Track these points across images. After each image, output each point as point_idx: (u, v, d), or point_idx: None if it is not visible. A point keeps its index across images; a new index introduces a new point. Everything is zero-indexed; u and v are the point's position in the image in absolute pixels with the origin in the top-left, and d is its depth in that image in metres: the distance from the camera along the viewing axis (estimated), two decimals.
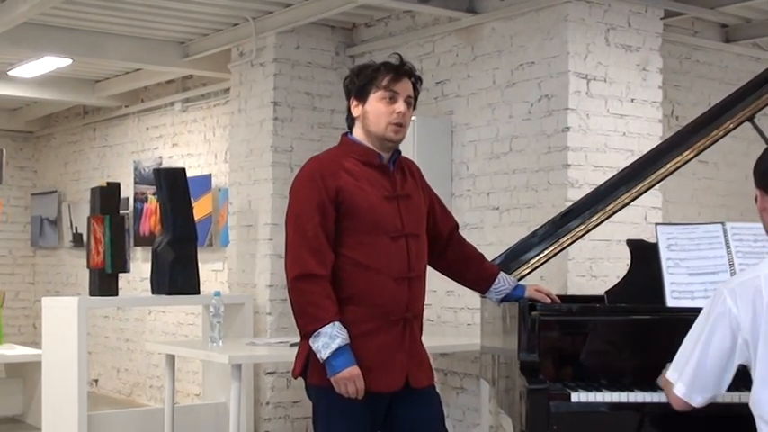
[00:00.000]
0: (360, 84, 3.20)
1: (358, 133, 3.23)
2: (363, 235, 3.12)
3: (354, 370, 3.03)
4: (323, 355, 3.01)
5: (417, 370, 3.22)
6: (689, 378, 2.66)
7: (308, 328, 3.06)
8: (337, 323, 3.03)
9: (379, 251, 3.12)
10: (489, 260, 3.61)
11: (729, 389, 2.81)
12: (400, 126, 3.18)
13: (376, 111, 3.17)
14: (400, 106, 3.17)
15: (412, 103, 3.23)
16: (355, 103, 3.22)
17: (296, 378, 3.24)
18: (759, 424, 2.52)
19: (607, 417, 3.09)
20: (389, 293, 3.13)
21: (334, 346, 3.00)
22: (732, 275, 3.28)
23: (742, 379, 2.71)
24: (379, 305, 3.12)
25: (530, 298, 3.41)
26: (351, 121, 3.27)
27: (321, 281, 3.06)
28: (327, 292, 3.06)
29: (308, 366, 3.13)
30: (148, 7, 6.39)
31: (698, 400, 2.68)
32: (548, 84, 5.38)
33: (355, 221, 3.11)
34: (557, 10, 5.35)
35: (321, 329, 3.01)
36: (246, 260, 6.70)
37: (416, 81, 3.25)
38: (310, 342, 3.04)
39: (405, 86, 3.20)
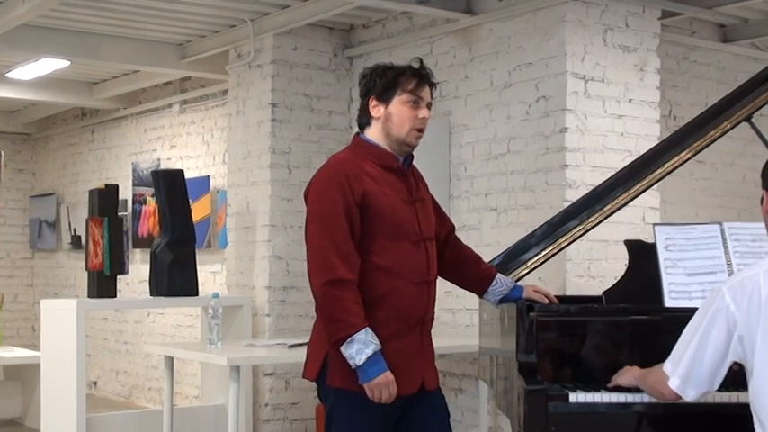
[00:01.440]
0: (384, 85, 3.18)
1: (374, 134, 3.21)
2: (387, 239, 3.11)
3: (389, 376, 3.03)
4: (357, 361, 2.99)
5: (429, 372, 3.26)
6: (684, 372, 2.68)
7: (340, 334, 3.02)
8: (369, 329, 3.02)
9: (401, 255, 3.12)
10: (487, 261, 3.62)
11: (727, 389, 2.82)
12: (421, 132, 3.20)
13: (401, 114, 3.16)
14: (424, 112, 3.19)
15: (431, 108, 3.25)
16: (375, 103, 3.20)
17: (312, 380, 3.22)
18: (763, 421, 2.52)
19: (605, 417, 3.09)
20: (410, 297, 3.14)
21: (369, 352, 2.99)
22: (730, 275, 3.29)
23: (738, 379, 2.72)
24: (400, 309, 3.12)
25: (528, 299, 3.41)
26: (365, 119, 3.24)
27: (351, 286, 3.03)
28: (357, 297, 3.04)
29: (326, 368, 3.12)
30: (146, 9, 6.39)
31: (691, 395, 2.69)
32: (545, 84, 5.38)
33: (379, 226, 3.10)
34: (554, 11, 5.35)
35: (354, 336, 2.99)
36: (245, 262, 6.70)
37: (432, 87, 3.26)
38: (342, 349, 3.01)
39: (427, 92, 3.22)
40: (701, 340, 2.63)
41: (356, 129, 3.32)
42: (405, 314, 3.13)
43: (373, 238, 3.10)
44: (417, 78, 3.19)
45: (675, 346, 2.74)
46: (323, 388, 3.18)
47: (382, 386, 3.02)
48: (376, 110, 3.20)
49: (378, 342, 3.02)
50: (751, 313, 2.53)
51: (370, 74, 3.24)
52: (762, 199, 2.70)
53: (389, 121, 3.17)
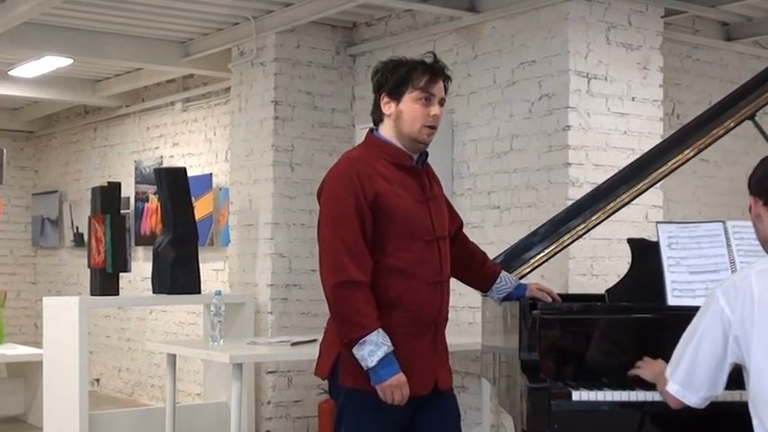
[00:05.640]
0: (395, 82, 3.14)
1: (386, 131, 3.17)
2: (400, 240, 3.07)
3: (402, 377, 3.00)
4: (369, 363, 2.97)
5: (443, 372, 3.22)
6: (681, 377, 2.67)
7: (352, 335, 2.99)
8: (381, 330, 2.99)
9: (415, 256, 3.09)
10: (490, 259, 3.61)
11: (730, 387, 2.81)
12: (433, 129, 3.15)
13: (412, 112, 3.12)
14: (436, 109, 3.14)
15: (444, 104, 3.20)
16: (387, 100, 3.15)
17: (324, 379, 3.21)
18: (763, 420, 2.51)
19: (608, 415, 3.09)
20: (424, 298, 3.11)
21: (381, 353, 2.96)
22: (733, 274, 3.28)
23: (742, 379, 2.71)
24: (414, 310, 3.09)
25: (531, 297, 3.40)
26: (378, 116, 3.20)
27: (363, 287, 3.01)
28: (369, 298, 3.01)
29: (338, 367, 3.11)
30: (149, 7, 6.39)
31: (693, 400, 2.67)
32: (548, 82, 5.38)
33: (392, 227, 3.06)
34: (557, 8, 5.34)
35: (366, 337, 2.97)
36: (247, 259, 6.70)
37: (447, 80, 3.21)
38: (354, 350, 2.99)
39: (439, 88, 3.16)
40: (697, 345, 2.62)
41: (359, 126, 3.32)
42: (419, 315, 3.10)
43: (386, 239, 3.06)
44: (429, 74, 3.13)
45: (676, 349, 2.73)
46: (334, 386, 3.17)
47: (394, 388, 3.00)
48: (387, 107, 3.16)
49: (390, 343, 2.99)
50: (745, 314, 2.53)
51: (381, 69, 3.20)
52: (750, 206, 2.71)
53: (400, 118, 3.13)
